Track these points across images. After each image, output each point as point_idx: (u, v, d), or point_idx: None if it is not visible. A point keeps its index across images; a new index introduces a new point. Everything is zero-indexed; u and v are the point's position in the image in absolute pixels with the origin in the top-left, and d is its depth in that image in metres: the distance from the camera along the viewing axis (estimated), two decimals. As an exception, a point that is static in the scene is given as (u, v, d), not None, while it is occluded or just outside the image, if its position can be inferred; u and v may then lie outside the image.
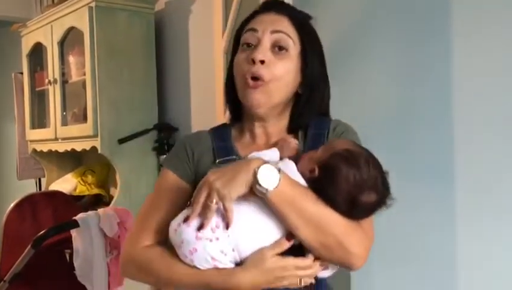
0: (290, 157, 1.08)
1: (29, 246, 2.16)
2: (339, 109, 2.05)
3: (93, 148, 2.71)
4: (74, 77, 2.94)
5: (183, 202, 1.13)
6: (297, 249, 0.99)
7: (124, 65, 2.72)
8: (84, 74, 2.73)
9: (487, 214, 1.63)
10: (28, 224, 2.50)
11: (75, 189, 3.15)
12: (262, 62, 1.09)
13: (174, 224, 1.02)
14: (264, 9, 1.18)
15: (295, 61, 1.14)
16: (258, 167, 0.95)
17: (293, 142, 1.14)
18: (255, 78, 1.10)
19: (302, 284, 1.00)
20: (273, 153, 1.08)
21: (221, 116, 2.22)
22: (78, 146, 2.85)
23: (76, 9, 2.75)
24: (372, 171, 0.99)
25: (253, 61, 1.09)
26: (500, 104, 1.60)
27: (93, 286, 2.23)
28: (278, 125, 1.19)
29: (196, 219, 0.98)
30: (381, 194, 0.99)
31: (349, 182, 0.97)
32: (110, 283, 2.27)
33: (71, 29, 2.85)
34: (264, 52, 1.10)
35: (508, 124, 1.58)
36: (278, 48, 1.12)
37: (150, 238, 1.11)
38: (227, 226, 0.96)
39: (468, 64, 1.68)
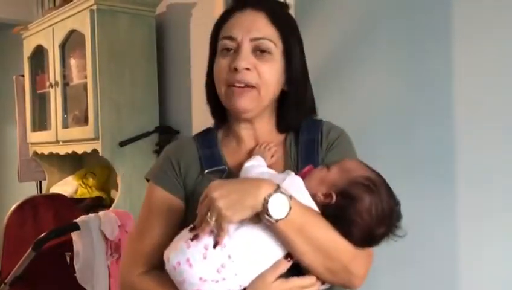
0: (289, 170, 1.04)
1: (30, 248, 2.16)
2: (341, 109, 2.06)
3: (94, 151, 2.71)
4: (75, 79, 2.94)
5: (177, 220, 1.09)
6: (295, 266, 0.97)
7: (125, 68, 2.72)
8: (85, 77, 2.74)
9: (489, 213, 1.63)
10: (29, 227, 2.50)
11: (76, 192, 3.16)
12: (247, 69, 1.05)
13: (173, 260, 0.94)
14: (238, 5, 1.11)
15: (279, 61, 1.09)
16: (269, 195, 0.89)
17: (273, 148, 1.11)
18: (240, 84, 1.05)
19: None
20: (260, 163, 1.05)
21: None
22: (79, 149, 2.85)
23: (78, 12, 2.75)
24: (391, 203, 0.96)
25: (236, 70, 1.04)
26: (500, 104, 1.60)
27: (94, 288, 2.23)
28: (267, 126, 1.14)
29: (200, 262, 0.91)
30: (396, 227, 0.97)
31: (371, 215, 0.93)
32: (111, 285, 2.27)
33: (72, 32, 2.85)
34: (246, 58, 1.05)
35: (508, 122, 1.58)
36: (260, 51, 1.06)
37: (145, 264, 1.08)
38: (215, 245, 0.91)
39: (469, 64, 1.68)
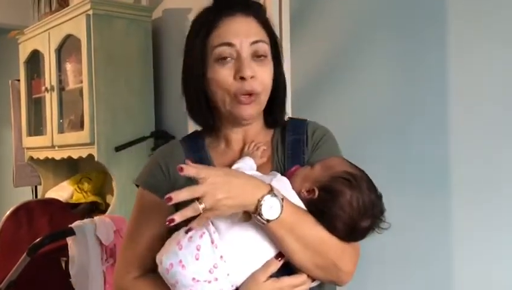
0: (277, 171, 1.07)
1: (25, 254, 2.15)
2: (339, 110, 2.06)
3: (90, 156, 2.71)
4: (71, 84, 2.94)
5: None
6: (286, 264, 0.98)
7: (121, 73, 2.72)
8: (81, 82, 2.74)
9: (484, 223, 1.63)
10: (24, 231, 2.49)
11: (71, 196, 3.15)
12: (251, 78, 1.05)
13: (165, 262, 0.95)
14: (227, 10, 1.08)
15: (271, 64, 1.10)
16: (263, 197, 0.91)
17: (261, 148, 1.12)
18: (247, 93, 1.06)
19: None
20: (250, 163, 1.07)
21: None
22: (75, 154, 2.84)
23: (74, 17, 2.75)
24: (372, 196, 0.98)
25: (243, 78, 1.04)
26: (498, 111, 1.60)
27: (89, 294, 2.22)
28: (256, 127, 1.16)
29: (192, 263, 0.93)
30: (379, 219, 0.99)
31: (353, 208, 0.95)
32: (106, 291, 2.26)
33: (68, 36, 2.85)
34: (250, 66, 1.05)
35: (506, 130, 1.59)
36: (257, 56, 1.07)
37: (138, 268, 1.09)
38: (187, 231, 0.93)
39: (466, 70, 1.68)
